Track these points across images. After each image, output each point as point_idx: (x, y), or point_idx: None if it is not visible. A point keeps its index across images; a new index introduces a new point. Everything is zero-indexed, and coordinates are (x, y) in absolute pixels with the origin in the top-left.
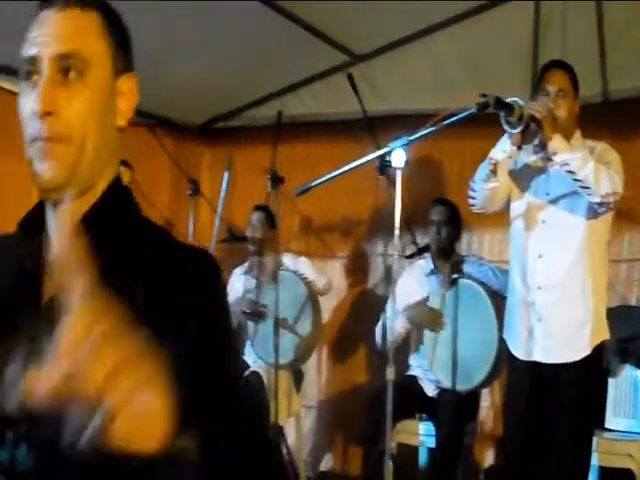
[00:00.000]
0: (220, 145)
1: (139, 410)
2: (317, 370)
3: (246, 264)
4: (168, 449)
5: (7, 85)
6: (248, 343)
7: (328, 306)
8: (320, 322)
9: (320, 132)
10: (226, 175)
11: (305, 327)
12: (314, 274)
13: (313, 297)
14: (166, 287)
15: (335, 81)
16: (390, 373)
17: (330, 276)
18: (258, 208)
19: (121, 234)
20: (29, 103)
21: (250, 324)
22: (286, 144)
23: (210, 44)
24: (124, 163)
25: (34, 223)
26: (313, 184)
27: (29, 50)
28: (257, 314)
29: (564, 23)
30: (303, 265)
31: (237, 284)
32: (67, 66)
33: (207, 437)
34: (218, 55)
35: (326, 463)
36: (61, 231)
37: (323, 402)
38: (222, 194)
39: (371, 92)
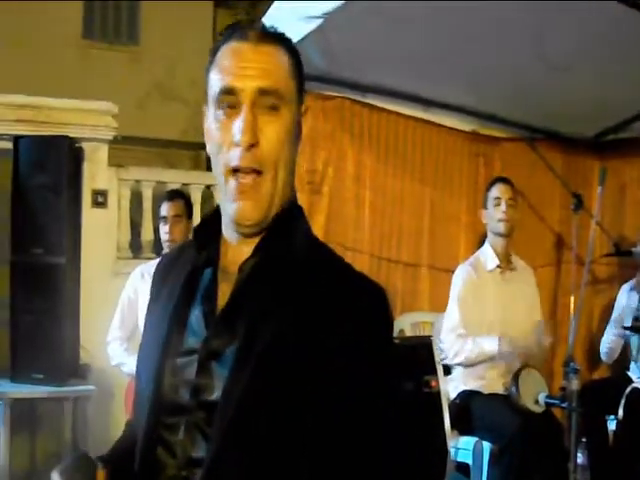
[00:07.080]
0: (610, 158)
1: None
2: None
3: (634, 279)
4: None
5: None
6: (632, 359)
7: None
8: None
9: None
10: (599, 189)
11: None
12: None
13: None
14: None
15: None
16: None
17: None
18: None
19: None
20: (226, 132)
21: (634, 340)
22: None
23: (594, 57)
24: None
25: (210, 231)
26: None
27: (226, 80)
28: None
29: None
30: None
31: (622, 299)
32: (266, 100)
33: None
34: (604, 66)
35: None
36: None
37: None
38: (596, 209)
39: None
